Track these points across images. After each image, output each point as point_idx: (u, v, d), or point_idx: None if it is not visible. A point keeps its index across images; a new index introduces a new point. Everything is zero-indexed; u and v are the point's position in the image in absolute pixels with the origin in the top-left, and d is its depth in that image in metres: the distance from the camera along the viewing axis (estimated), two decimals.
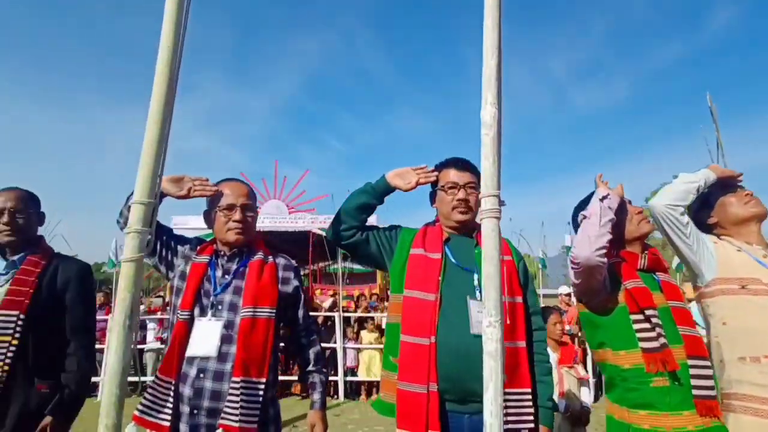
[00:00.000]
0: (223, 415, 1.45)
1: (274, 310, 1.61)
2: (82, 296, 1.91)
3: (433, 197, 1.83)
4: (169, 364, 1.51)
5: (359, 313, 7.54)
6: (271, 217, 15.73)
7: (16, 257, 1.83)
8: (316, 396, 1.69)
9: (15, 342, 1.69)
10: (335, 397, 6.70)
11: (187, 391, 1.49)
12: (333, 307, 7.58)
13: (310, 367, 1.73)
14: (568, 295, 7.75)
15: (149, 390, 1.52)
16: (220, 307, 1.58)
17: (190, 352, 1.52)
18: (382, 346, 5.96)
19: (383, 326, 6.58)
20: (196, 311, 1.57)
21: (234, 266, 1.67)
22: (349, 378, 6.80)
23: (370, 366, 6.68)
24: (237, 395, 1.46)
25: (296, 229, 16.62)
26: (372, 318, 7.22)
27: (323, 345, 6.43)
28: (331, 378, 6.30)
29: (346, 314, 7.23)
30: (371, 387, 6.80)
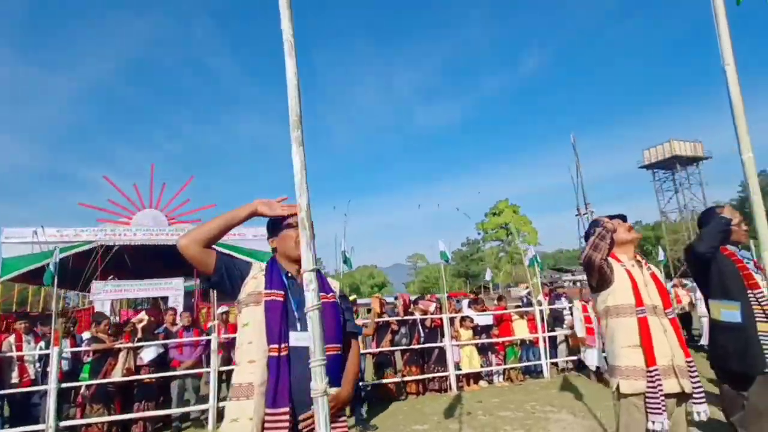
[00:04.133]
0: None
1: None
2: None
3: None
4: None
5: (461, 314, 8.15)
6: (147, 229, 13.98)
7: None
8: None
9: None
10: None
11: None
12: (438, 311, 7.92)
13: None
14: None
15: None
16: None
17: None
18: (476, 341, 7.67)
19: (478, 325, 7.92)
20: None
21: None
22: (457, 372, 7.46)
23: (471, 360, 7.64)
24: None
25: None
26: (469, 317, 7.90)
27: (433, 345, 7.22)
28: (443, 373, 7.27)
29: (452, 315, 7.79)
30: (469, 378, 7.61)
